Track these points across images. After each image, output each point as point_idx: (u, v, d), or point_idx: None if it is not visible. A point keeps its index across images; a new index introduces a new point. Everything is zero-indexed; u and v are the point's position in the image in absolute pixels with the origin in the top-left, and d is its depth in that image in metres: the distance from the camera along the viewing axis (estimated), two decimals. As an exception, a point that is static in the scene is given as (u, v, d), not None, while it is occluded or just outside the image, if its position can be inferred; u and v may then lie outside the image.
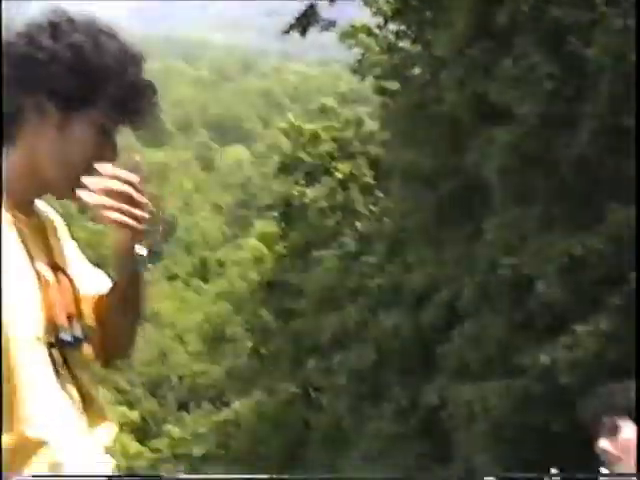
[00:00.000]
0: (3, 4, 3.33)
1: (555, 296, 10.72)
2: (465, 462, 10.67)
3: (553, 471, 6.42)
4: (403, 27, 17.14)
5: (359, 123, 23.27)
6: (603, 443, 3.77)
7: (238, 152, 76.99)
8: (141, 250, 1.75)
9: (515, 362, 11.13)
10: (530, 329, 11.42)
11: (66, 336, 1.72)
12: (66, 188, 1.71)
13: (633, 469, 3.73)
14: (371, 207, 21.05)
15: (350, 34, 18.26)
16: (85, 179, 1.63)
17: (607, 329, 9.89)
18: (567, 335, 10.17)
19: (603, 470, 3.98)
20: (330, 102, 28.31)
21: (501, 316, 12.02)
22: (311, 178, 22.91)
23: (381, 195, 20.58)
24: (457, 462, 11.65)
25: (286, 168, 23.64)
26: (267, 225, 28.02)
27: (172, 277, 52.41)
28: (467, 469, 10.77)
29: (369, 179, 21.95)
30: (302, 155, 23.10)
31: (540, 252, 11.14)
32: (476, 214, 13.48)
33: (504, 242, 12.05)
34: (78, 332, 1.76)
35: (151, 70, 1.73)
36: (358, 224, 20.80)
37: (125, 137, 1.74)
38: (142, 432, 36.58)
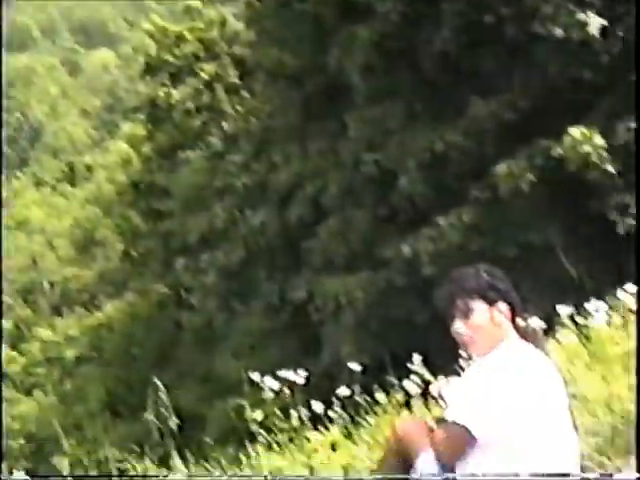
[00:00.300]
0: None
1: (418, 190, 10.97)
2: (332, 354, 10.98)
3: (416, 357, 6.68)
4: None
5: (224, 23, 22.97)
6: (457, 325, 3.97)
7: (104, 55, 74.96)
8: None
9: (379, 255, 11.41)
10: (394, 223, 11.69)
11: None
12: None
13: (485, 349, 3.94)
14: (237, 107, 20.89)
15: None
16: None
17: (468, 221, 10.21)
18: (430, 228, 10.46)
19: (462, 352, 4.20)
20: (194, 3, 27.72)
21: (365, 211, 12.25)
22: (177, 79, 22.57)
23: (247, 95, 20.44)
24: (325, 354, 11.95)
25: (151, 70, 23.21)
26: (134, 127, 27.58)
27: (40, 183, 51.45)
28: (334, 361, 11.06)
29: (235, 79, 21.75)
30: (167, 56, 22.70)
31: (403, 147, 11.36)
32: (340, 111, 13.57)
33: (367, 138, 12.23)
34: None
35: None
36: (224, 124, 20.68)
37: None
38: (15, 338, 36.10)
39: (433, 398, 4.55)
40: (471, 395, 3.83)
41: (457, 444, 3.86)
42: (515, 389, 3.82)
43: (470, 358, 4.03)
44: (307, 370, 11.81)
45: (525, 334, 4.07)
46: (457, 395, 3.92)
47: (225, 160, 17.55)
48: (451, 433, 3.89)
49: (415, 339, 8.81)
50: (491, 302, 3.93)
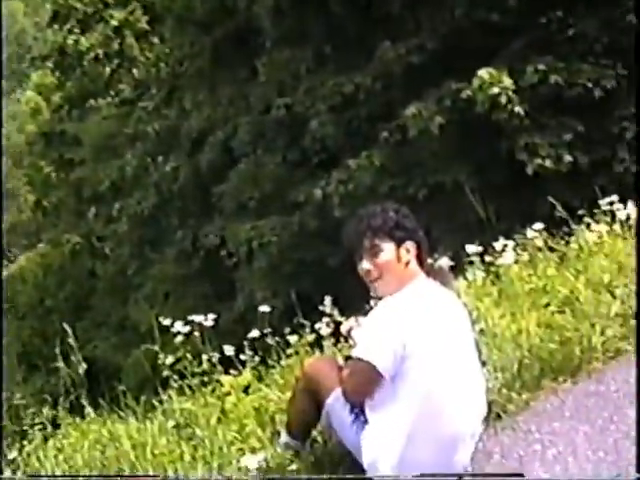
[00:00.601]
0: None
1: (328, 133, 10.95)
2: (246, 299, 10.97)
3: (327, 299, 6.71)
4: None
5: (132, -31, 22.44)
6: (365, 264, 3.97)
7: (10, 4, 72.80)
8: None
9: (291, 199, 11.40)
10: (305, 166, 11.68)
11: None
12: None
13: (393, 288, 3.95)
14: (147, 53, 20.54)
15: None
16: None
17: (378, 163, 10.23)
18: (340, 170, 10.46)
19: (372, 294, 4.20)
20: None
21: (276, 155, 12.21)
22: (85, 26, 22.04)
23: (157, 41, 20.11)
24: (239, 299, 11.94)
25: (59, 17, 22.60)
26: (43, 76, 26.93)
27: (-52, 136, 49.91)
28: (248, 305, 11.06)
29: (144, 25, 21.34)
30: (75, 3, 22.11)
31: (313, 91, 11.31)
32: (251, 56, 13.47)
33: (278, 83, 12.16)
34: None
35: None
36: (134, 71, 20.34)
37: None
38: None
39: (344, 338, 4.57)
40: (375, 331, 3.85)
41: (361, 380, 3.89)
42: (420, 325, 3.86)
43: (380, 298, 4.05)
44: (220, 315, 11.83)
45: (432, 273, 4.10)
46: (362, 332, 3.94)
47: (136, 107, 17.26)
48: (355, 369, 3.91)
49: (328, 282, 8.85)
50: (399, 241, 3.94)
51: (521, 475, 3.74)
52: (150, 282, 14.90)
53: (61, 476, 3.81)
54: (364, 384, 3.87)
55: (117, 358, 14.53)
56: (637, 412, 3.58)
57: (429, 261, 4.19)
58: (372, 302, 6.19)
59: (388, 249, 3.92)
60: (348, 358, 4.15)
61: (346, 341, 4.48)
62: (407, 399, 3.81)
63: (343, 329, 4.39)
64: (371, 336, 3.84)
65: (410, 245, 3.96)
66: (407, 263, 3.95)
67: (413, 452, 3.83)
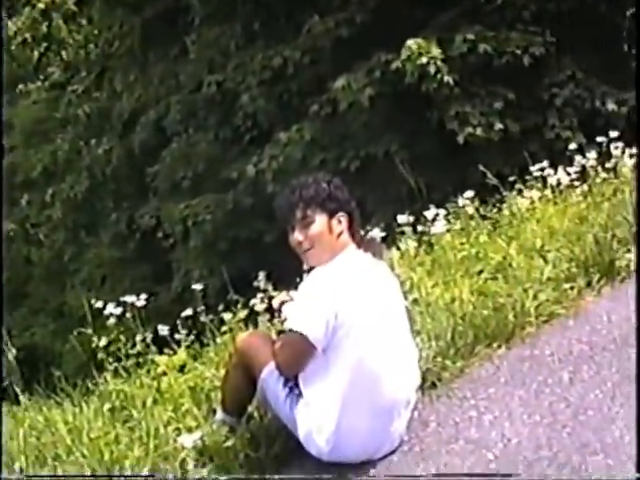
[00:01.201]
0: None
1: (259, 107, 10.86)
2: (183, 279, 10.88)
3: (261, 275, 6.68)
4: None
5: (62, -52, 21.98)
6: (296, 235, 3.94)
7: None
8: None
9: (225, 177, 11.31)
10: (238, 144, 11.58)
11: None
12: None
13: (324, 259, 3.92)
14: (75, 35, 20.16)
15: None
16: None
17: (309, 136, 10.17)
18: (272, 145, 10.40)
19: (304, 265, 4.17)
20: None
21: (209, 133, 12.10)
22: (12, 10, 21.57)
23: (85, 22, 19.75)
24: (176, 280, 11.84)
25: (-15, 2, 22.09)
26: (-29, 62, 26.31)
27: None
28: (185, 285, 10.97)
29: (72, 7, 20.94)
30: (2, -13, 21.64)
31: (243, 67, 11.21)
32: (180, 35, 13.34)
33: (208, 60, 12.04)
34: None
35: None
36: (64, 53, 19.97)
37: None
38: None
39: (276, 313, 4.54)
40: (306, 302, 3.83)
41: (294, 352, 3.87)
42: (351, 295, 3.85)
43: (311, 269, 4.03)
44: (158, 296, 11.68)
45: (364, 244, 4.09)
46: (293, 304, 3.92)
47: (66, 90, 16.95)
48: (287, 341, 3.89)
49: (264, 258, 8.82)
50: (330, 212, 3.92)
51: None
52: (86, 267, 14.68)
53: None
54: (297, 356, 3.85)
55: (56, 344, 14.31)
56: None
57: (361, 232, 4.18)
58: (305, 275, 6.20)
59: (320, 220, 3.90)
60: (281, 332, 4.12)
61: (279, 316, 4.45)
62: (339, 370, 3.80)
63: (274, 303, 4.37)
64: (302, 307, 3.81)
65: (342, 216, 3.95)
66: (339, 234, 3.93)
67: (348, 422, 3.82)
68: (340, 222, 3.94)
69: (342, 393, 3.80)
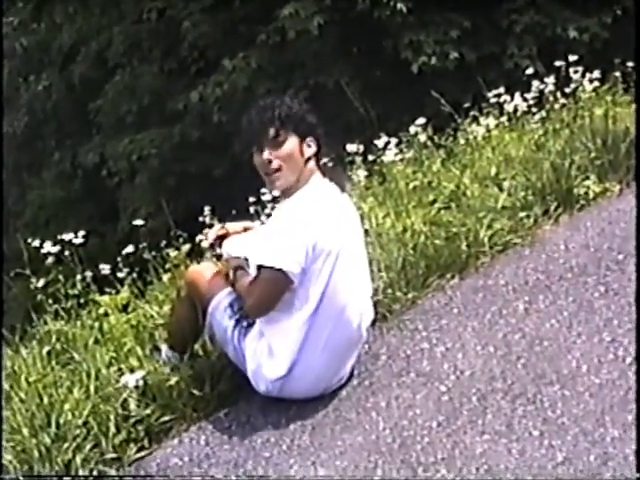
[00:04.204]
0: None
1: (203, 35, 10.51)
2: (130, 217, 10.58)
3: (206, 209, 6.47)
4: None
5: None
6: (266, 154, 3.72)
7: None
8: None
9: (170, 110, 11.00)
10: (183, 75, 11.23)
11: None
12: None
13: (291, 184, 3.71)
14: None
15: None
16: None
17: (255, 64, 9.87)
18: (217, 74, 10.09)
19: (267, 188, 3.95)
20: None
21: (153, 65, 11.73)
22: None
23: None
24: (123, 219, 11.55)
25: None
26: None
27: None
28: (133, 225, 10.69)
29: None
30: None
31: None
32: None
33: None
34: None
35: None
36: (2, -15, 19.29)
37: None
38: None
39: (213, 249, 4.29)
40: (284, 236, 3.64)
41: (269, 290, 3.69)
42: (325, 227, 3.68)
43: (273, 192, 4.02)
44: (105, 236, 11.41)
45: (328, 173, 3.95)
46: (268, 238, 3.72)
47: (2, 23, 16.34)
48: (262, 279, 3.69)
49: (213, 193, 8.61)
50: (302, 135, 3.72)
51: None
52: (30, 209, 14.28)
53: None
54: (274, 294, 3.67)
55: (-1, 293, 13.97)
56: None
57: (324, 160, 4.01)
58: (252, 209, 6.00)
59: (292, 141, 3.70)
60: (237, 269, 3.89)
61: (213, 250, 4.22)
62: (304, 303, 3.66)
63: (209, 237, 4.15)
64: (278, 241, 3.61)
65: (311, 141, 3.77)
66: (307, 159, 3.75)
67: (305, 358, 3.70)
68: (309, 146, 3.75)
69: (304, 326, 3.66)
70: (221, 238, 4.08)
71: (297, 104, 3.80)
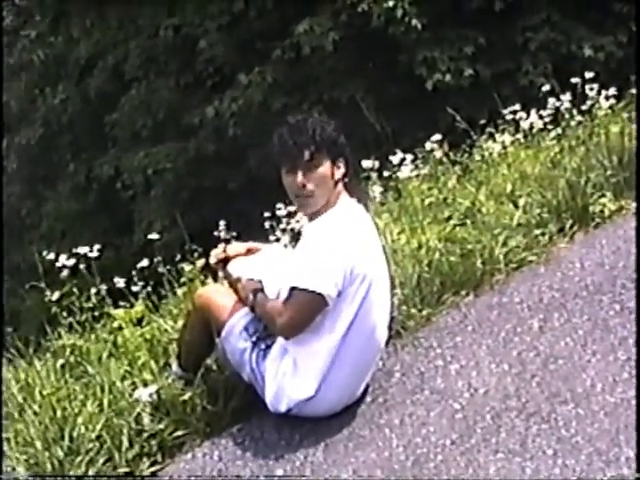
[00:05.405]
0: None
1: (218, 52, 10.56)
2: (145, 230, 10.61)
3: (221, 224, 6.47)
4: None
5: None
6: (299, 177, 3.67)
7: None
8: None
9: (186, 124, 11.05)
10: (199, 90, 11.29)
11: None
12: None
13: (320, 203, 3.66)
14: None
15: None
16: None
17: (271, 79, 9.91)
18: (233, 89, 10.14)
19: (297, 209, 3.94)
20: None
21: (169, 79, 11.80)
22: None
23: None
24: (138, 232, 11.59)
25: None
26: None
27: None
28: (147, 239, 10.72)
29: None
30: None
31: (202, 11, 10.88)
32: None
33: (167, 3, 11.67)
34: None
35: None
36: (16, -1, 19.42)
37: None
38: None
39: (215, 271, 4.27)
40: (318, 258, 3.62)
41: (304, 313, 3.65)
42: (360, 247, 3.68)
43: (307, 215, 3.83)
44: (120, 249, 11.45)
45: (354, 192, 3.93)
46: (304, 259, 3.69)
47: (20, 36, 16.45)
48: (297, 301, 3.64)
49: (228, 207, 8.64)
50: (334, 157, 3.68)
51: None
52: (46, 221, 14.35)
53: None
54: (310, 316, 3.64)
55: (15, 302, 14.00)
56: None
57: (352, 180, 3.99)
58: (267, 224, 6.00)
59: (325, 165, 3.67)
60: (257, 292, 3.84)
61: (216, 272, 4.20)
62: (337, 326, 3.66)
63: (211, 260, 4.13)
64: (318, 264, 3.58)
65: (341, 162, 3.75)
66: (337, 181, 3.73)
67: (332, 380, 3.70)
68: (339, 168, 3.73)
69: (334, 349, 3.65)
70: (224, 261, 4.06)
71: (329, 125, 3.75)
